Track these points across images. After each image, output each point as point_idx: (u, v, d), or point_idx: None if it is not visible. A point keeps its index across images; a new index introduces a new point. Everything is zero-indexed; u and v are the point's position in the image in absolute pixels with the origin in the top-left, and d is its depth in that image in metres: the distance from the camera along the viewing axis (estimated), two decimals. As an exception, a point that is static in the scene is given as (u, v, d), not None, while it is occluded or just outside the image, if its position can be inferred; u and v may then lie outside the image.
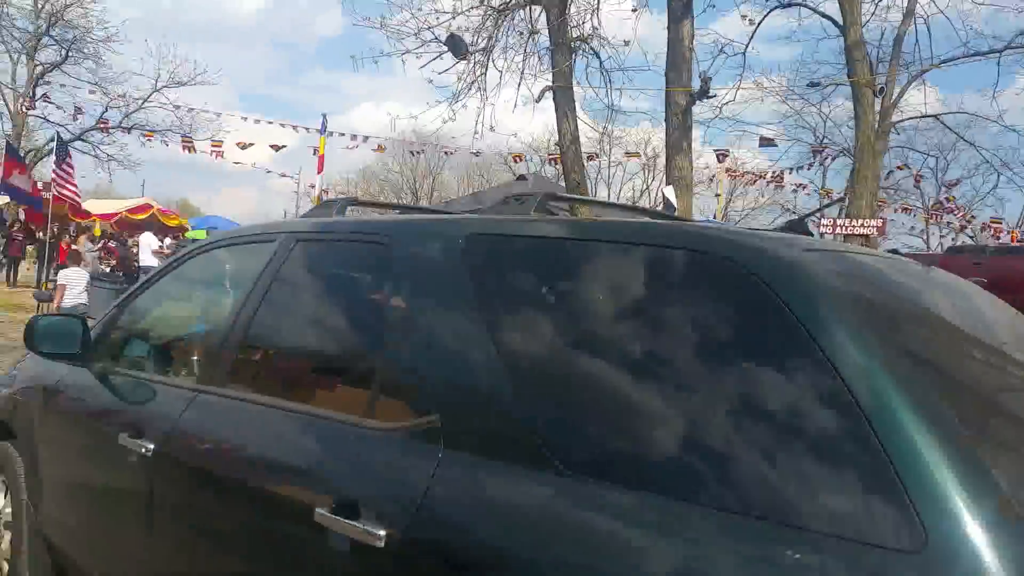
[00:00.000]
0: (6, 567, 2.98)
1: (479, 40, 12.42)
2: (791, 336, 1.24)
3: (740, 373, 1.30)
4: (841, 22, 13.44)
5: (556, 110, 12.13)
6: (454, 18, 12.34)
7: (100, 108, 28.86)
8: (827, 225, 13.73)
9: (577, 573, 1.25)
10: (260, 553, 1.81)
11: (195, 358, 2.61)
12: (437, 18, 12.33)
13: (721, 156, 19.62)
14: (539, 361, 1.52)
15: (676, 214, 8.44)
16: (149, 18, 56.10)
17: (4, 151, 18.93)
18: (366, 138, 22.55)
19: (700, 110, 12.31)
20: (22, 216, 20.44)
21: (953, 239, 25.72)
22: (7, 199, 18.71)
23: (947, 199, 24.92)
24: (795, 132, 26.78)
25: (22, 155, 20.92)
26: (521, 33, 12.57)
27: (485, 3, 12.41)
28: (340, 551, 1.53)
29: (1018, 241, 23.45)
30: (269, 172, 45.70)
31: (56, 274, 13.83)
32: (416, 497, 1.47)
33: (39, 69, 29.29)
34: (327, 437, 1.79)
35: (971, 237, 24.59)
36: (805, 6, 15.13)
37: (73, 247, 17.26)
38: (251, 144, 23.54)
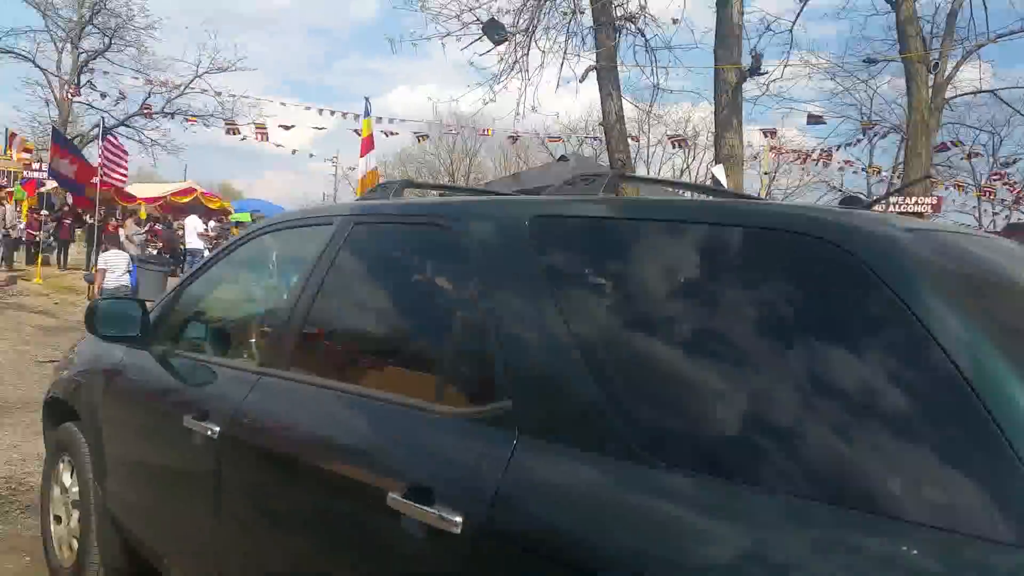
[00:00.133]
0: (76, 544, 3.04)
1: (521, 21, 12.27)
2: (895, 318, 1.17)
3: (841, 358, 1.23)
4: (893, -2, 13.09)
5: (600, 90, 11.96)
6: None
7: (143, 94, 29.44)
8: (881, 204, 13.40)
9: (660, 562, 1.20)
10: (329, 537, 1.80)
11: (254, 341, 2.62)
12: (478, 0, 12.21)
13: (769, 134, 19.20)
14: (615, 345, 1.48)
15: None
16: (187, 5, 56.84)
17: (51, 137, 19.37)
18: (403, 120, 22.57)
19: (746, 87, 12.01)
20: (70, 200, 20.90)
21: (1007, 216, 25.01)
22: (55, 184, 19.13)
23: (1001, 174, 24.13)
24: (841, 109, 26.15)
25: (70, 141, 21.33)
26: (564, 13, 12.38)
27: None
28: (415, 536, 1.51)
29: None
30: (312, 156, 46.24)
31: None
32: (492, 483, 1.44)
33: (83, 57, 29.92)
34: (396, 422, 1.77)
35: (1025, 213, 23.88)
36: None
37: (120, 229, 17.64)
38: (292, 126, 23.80)
